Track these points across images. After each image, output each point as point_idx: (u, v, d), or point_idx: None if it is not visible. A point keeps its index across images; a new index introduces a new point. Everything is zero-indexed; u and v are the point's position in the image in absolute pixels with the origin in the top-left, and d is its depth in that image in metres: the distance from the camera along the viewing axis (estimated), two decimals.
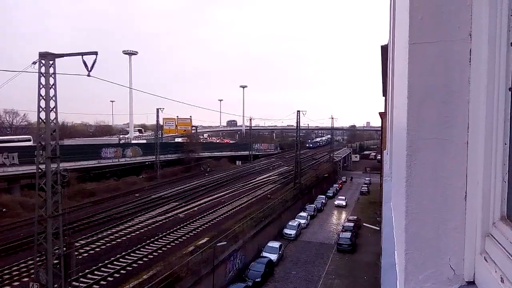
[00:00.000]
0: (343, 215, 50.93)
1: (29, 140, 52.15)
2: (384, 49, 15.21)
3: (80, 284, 19.97)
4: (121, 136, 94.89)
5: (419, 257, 1.41)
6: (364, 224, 43.90)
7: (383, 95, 21.64)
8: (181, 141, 79.66)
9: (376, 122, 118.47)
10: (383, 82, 19.13)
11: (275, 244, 33.84)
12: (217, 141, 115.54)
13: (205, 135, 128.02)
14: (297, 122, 53.99)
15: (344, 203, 57.63)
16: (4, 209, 33.36)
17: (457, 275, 1.36)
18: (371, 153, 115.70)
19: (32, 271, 17.75)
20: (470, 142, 1.32)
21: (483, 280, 1.25)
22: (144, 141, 75.26)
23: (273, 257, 31.71)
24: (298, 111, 52.87)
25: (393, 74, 4.12)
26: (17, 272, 21.53)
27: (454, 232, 1.36)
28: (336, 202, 58.49)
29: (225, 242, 25.93)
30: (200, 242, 27.34)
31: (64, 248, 15.86)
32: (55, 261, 15.56)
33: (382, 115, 25.40)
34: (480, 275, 1.28)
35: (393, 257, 2.25)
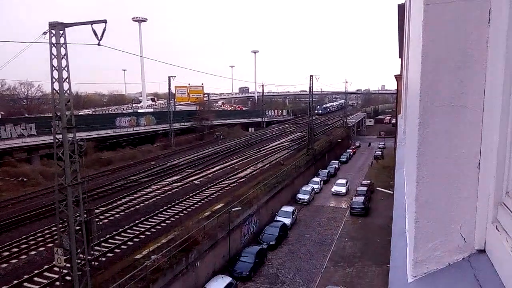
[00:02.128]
0: (357, 181, 51.04)
1: None
2: (401, 8, 14.57)
3: (102, 249, 20.89)
4: (133, 105, 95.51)
5: (429, 225, 1.40)
6: (377, 188, 44.06)
7: (399, 57, 20.98)
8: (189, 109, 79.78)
9: (392, 85, 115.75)
10: (399, 43, 18.49)
11: (289, 209, 34.43)
12: (230, 108, 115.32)
13: (219, 103, 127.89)
14: (310, 87, 53.17)
15: (344, 190, 43.31)
16: (25, 179, 34.51)
17: (468, 243, 1.35)
18: (385, 117, 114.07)
19: (56, 237, 18.57)
20: (486, 108, 1.27)
21: (494, 249, 1.24)
22: (151, 110, 75.37)
23: (287, 221, 32.38)
24: (311, 76, 51.91)
25: (409, 36, 3.96)
26: (41, 238, 22.62)
27: (466, 201, 1.34)
28: (333, 189, 43.58)
29: (239, 207, 26.50)
30: (216, 208, 28.00)
31: (85, 215, 16.45)
32: (77, 228, 16.19)
33: (398, 78, 24.74)
34: (491, 244, 1.27)
35: (404, 223, 2.25)
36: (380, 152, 68.10)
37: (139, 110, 74.93)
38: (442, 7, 1.27)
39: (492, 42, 1.23)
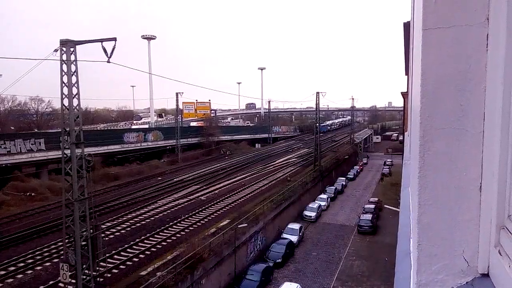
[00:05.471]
0: (365, 198, 50.49)
1: None
2: (407, 26, 14.70)
3: (108, 265, 20.77)
4: (134, 121, 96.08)
5: (432, 248, 1.39)
6: (385, 206, 43.54)
7: (406, 74, 21.03)
8: (196, 125, 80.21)
9: (399, 102, 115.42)
10: (405, 61, 18.57)
11: (295, 226, 34.09)
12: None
13: (229, 119, 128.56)
14: (316, 104, 53.40)
15: None
16: (33, 193, 34.73)
17: (471, 267, 1.34)
18: (393, 134, 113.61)
19: (62, 252, 18.54)
20: (486, 131, 1.27)
21: (498, 274, 1.22)
22: (147, 126, 75.53)
23: (294, 238, 32.01)
24: (317, 93, 52.20)
25: (413, 56, 3.99)
26: (47, 253, 22.58)
27: (469, 224, 1.33)
28: None
29: (246, 224, 26.31)
30: (222, 224, 27.83)
31: (91, 230, 16.45)
32: (83, 243, 16.18)
33: (405, 95, 24.71)
34: (495, 268, 1.26)
35: (409, 245, 2.23)
36: (388, 169, 67.57)
37: (133, 127, 75.10)
38: (440, 32, 1.29)
39: (491, 66, 1.24)
